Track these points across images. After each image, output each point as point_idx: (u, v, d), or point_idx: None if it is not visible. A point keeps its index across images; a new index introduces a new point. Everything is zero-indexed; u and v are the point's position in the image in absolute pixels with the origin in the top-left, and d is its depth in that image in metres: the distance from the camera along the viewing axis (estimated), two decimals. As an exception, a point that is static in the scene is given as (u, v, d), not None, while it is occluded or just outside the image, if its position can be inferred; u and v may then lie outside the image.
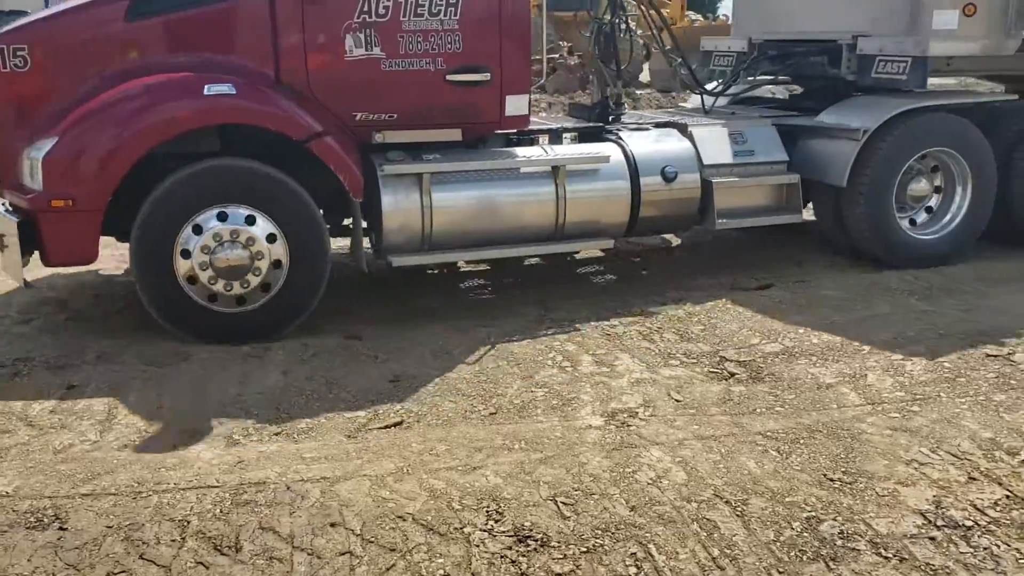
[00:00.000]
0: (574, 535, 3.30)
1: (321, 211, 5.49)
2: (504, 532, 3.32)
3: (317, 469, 3.75)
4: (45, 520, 3.35)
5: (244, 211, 5.16)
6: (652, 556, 3.18)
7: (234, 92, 5.11)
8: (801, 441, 4.00)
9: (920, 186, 6.70)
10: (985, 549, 3.19)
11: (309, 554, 3.17)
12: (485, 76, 5.63)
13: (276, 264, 5.24)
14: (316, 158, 5.27)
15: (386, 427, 4.25)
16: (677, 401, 4.44)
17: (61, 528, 3.30)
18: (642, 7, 7.05)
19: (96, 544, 3.22)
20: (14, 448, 3.99)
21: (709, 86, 7.78)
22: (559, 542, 3.26)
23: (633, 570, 3.11)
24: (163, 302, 5.17)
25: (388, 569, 3.10)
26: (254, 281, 5.22)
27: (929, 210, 6.80)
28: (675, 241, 7.83)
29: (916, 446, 3.94)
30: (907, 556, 3.17)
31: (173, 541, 3.24)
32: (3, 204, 5.32)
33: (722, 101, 7.77)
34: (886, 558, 3.16)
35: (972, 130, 6.69)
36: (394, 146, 5.64)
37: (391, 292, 6.46)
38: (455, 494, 3.56)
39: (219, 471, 3.73)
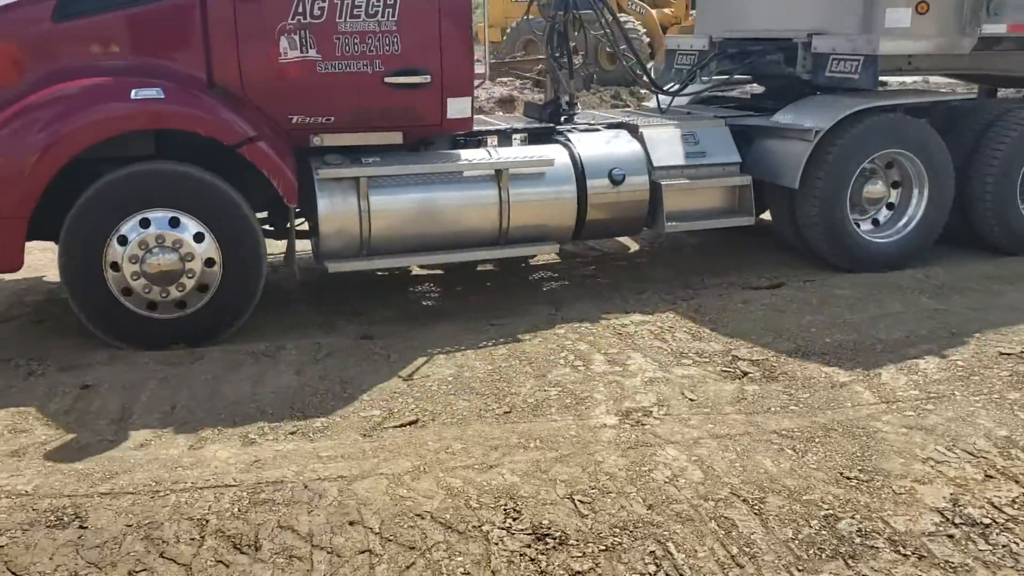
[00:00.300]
0: (592, 533, 3.30)
1: (268, 214, 5.46)
2: (522, 530, 3.33)
3: (334, 468, 3.76)
4: (65, 519, 3.36)
5: (166, 214, 5.04)
6: (671, 554, 3.18)
7: (162, 96, 5.00)
8: (817, 439, 4.00)
9: (876, 188, 6.56)
10: (1004, 547, 3.20)
11: (329, 552, 3.18)
12: (424, 78, 5.52)
13: (209, 263, 5.13)
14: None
15: (401, 426, 4.25)
16: (691, 400, 4.44)
17: (81, 527, 3.31)
18: (595, 6, 6.84)
19: (116, 542, 3.23)
20: (32, 447, 4.00)
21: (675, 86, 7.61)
22: (577, 540, 3.26)
23: (653, 568, 3.12)
24: (102, 317, 5.09)
25: (408, 567, 3.10)
26: (190, 283, 5.12)
27: (890, 206, 6.66)
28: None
29: (932, 444, 3.94)
30: (926, 554, 3.17)
31: (192, 540, 3.25)
32: None
33: (683, 100, 7.62)
34: (905, 556, 3.17)
35: (928, 131, 6.56)
36: (333, 149, 5.55)
37: (401, 292, 6.47)
38: (472, 492, 3.57)
39: (236, 470, 3.74)
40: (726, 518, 3.40)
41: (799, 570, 3.11)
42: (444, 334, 5.45)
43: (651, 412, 4.31)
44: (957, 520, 3.36)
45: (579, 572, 3.10)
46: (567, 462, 3.81)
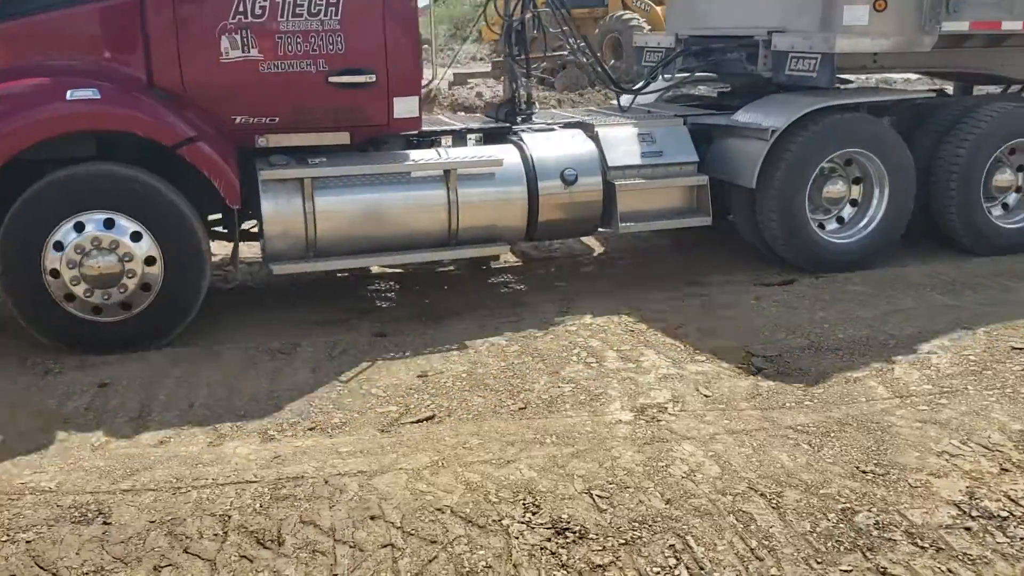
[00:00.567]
0: (612, 527, 3.33)
1: (221, 215, 5.45)
2: (542, 524, 3.35)
3: (353, 463, 3.79)
4: (89, 515, 3.39)
5: (101, 216, 4.99)
6: (691, 548, 3.21)
7: (98, 97, 4.95)
8: (832, 434, 4.02)
9: (836, 188, 6.45)
10: (1022, 539, 3.22)
11: (351, 547, 3.21)
12: (369, 78, 5.45)
13: (149, 261, 5.07)
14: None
15: (418, 421, 4.28)
16: (706, 396, 4.47)
17: (105, 523, 3.34)
18: (552, 5, 6.73)
19: (140, 538, 3.26)
20: (53, 445, 4.04)
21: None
22: (597, 534, 3.29)
23: (673, 561, 3.14)
24: (47, 323, 5.05)
25: (430, 561, 3.13)
26: (132, 283, 5.07)
27: (854, 204, 6.56)
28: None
29: (946, 438, 3.96)
30: (944, 546, 3.19)
31: (216, 535, 3.28)
32: None
33: (652, 98, 7.54)
34: (923, 548, 3.19)
35: (887, 131, 6.47)
36: (279, 150, 5.49)
37: (414, 290, 6.50)
38: (491, 487, 3.59)
39: (256, 466, 3.77)
40: (744, 512, 3.42)
41: (818, 562, 3.13)
42: (456, 331, 5.48)
43: (666, 408, 4.33)
44: (974, 513, 3.38)
45: (600, 566, 3.13)
46: (584, 457, 3.84)
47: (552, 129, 6.43)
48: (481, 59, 25.50)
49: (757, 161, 6.12)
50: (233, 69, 5.25)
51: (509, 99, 6.72)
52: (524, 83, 6.70)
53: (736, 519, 3.38)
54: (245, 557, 3.16)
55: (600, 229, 6.48)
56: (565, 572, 3.10)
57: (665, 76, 7.58)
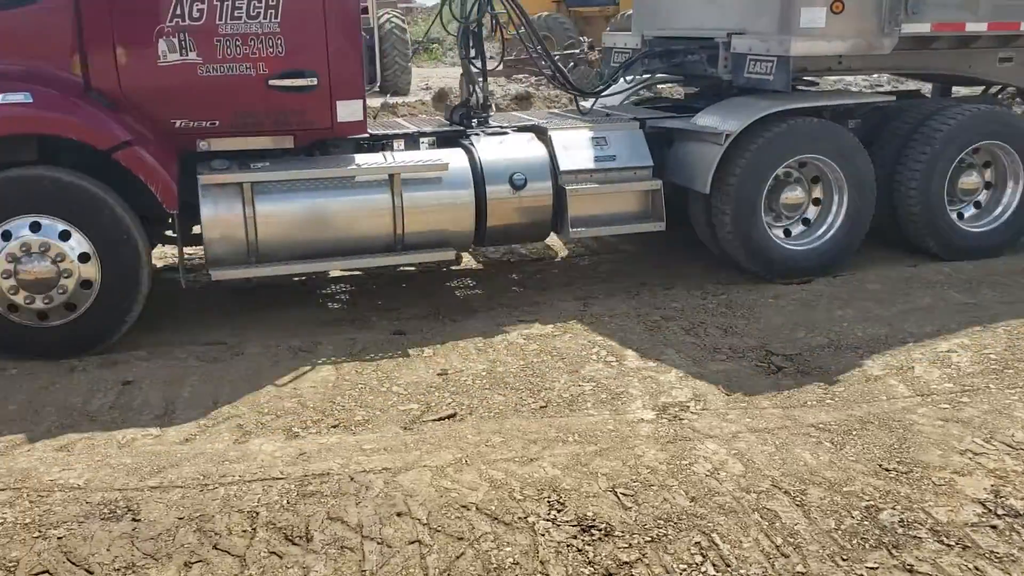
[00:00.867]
0: (637, 525, 3.35)
1: (170, 220, 5.40)
2: (567, 522, 3.37)
3: (378, 460, 3.82)
4: (118, 512, 3.42)
5: (25, 220, 4.96)
6: (717, 545, 3.22)
7: (30, 101, 4.90)
8: (854, 432, 4.03)
9: (795, 194, 6.26)
10: (1048, 537, 3.23)
11: (379, 543, 3.24)
12: (311, 81, 5.39)
13: (83, 258, 5.03)
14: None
15: (440, 419, 4.31)
16: (727, 395, 4.48)
17: (134, 519, 3.38)
18: (507, 6, 6.58)
19: (170, 535, 3.29)
20: (80, 442, 4.07)
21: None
22: (623, 532, 3.31)
23: (699, 558, 3.16)
24: None
25: (458, 557, 3.16)
26: (71, 283, 5.03)
27: (806, 221, 6.38)
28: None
29: (969, 436, 3.96)
30: (970, 544, 3.20)
31: (244, 532, 3.31)
32: None
33: (618, 100, 7.42)
34: (948, 546, 3.20)
35: (845, 136, 6.30)
36: (222, 154, 5.43)
37: (431, 289, 6.52)
38: (515, 484, 3.61)
39: (282, 463, 3.80)
40: (769, 510, 3.44)
41: (844, 559, 3.14)
42: (474, 330, 5.50)
43: (688, 407, 4.35)
44: (999, 511, 3.39)
45: (626, 562, 3.14)
46: (607, 456, 3.86)
47: (505, 133, 6.34)
48: (491, 57, 25.48)
49: (711, 166, 5.98)
50: (171, 73, 5.20)
51: (463, 102, 6.60)
52: (481, 85, 6.61)
53: (761, 516, 3.39)
54: (274, 553, 3.19)
55: (553, 234, 6.39)
56: (592, 569, 3.12)
57: (627, 78, 7.46)
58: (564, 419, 4.28)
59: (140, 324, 5.66)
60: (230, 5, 5.20)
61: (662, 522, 3.36)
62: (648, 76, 7.50)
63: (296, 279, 6.54)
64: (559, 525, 3.35)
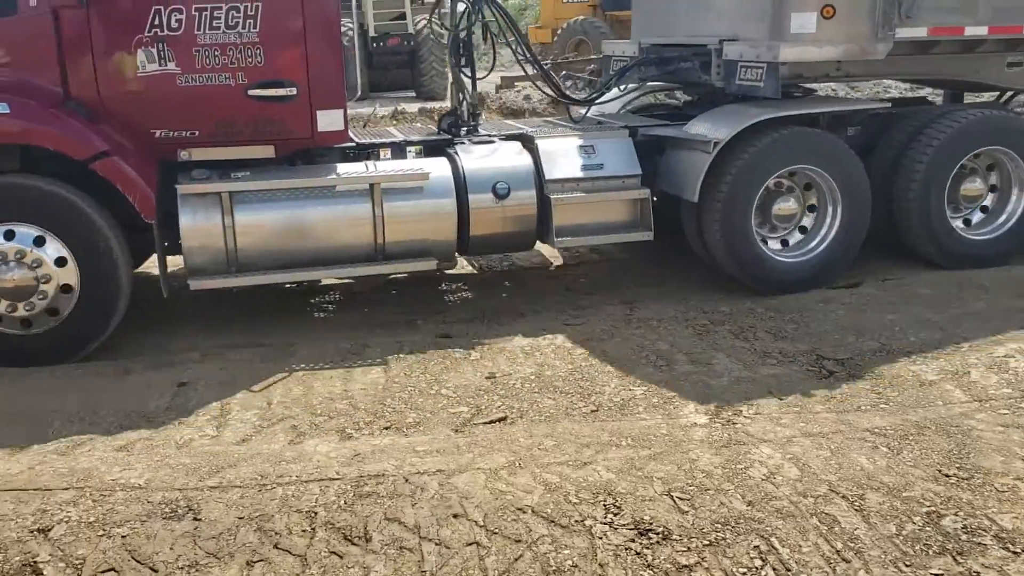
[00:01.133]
0: (695, 529, 3.33)
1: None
2: (624, 525, 3.36)
3: (431, 462, 3.83)
4: (179, 511, 3.47)
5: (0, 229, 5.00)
6: (776, 549, 3.20)
7: (7, 111, 4.92)
8: (911, 437, 3.98)
9: (788, 205, 6.13)
10: (1117, 545, 3.16)
11: (437, 544, 3.25)
12: (290, 91, 5.39)
13: (60, 262, 5.06)
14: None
15: (491, 422, 4.32)
16: (780, 399, 4.45)
17: (195, 519, 3.42)
18: (496, 15, 6.52)
19: (231, 534, 3.33)
20: (138, 443, 4.14)
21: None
22: (680, 535, 3.29)
23: (759, 562, 3.14)
24: None
25: (516, 560, 3.16)
26: (51, 288, 5.06)
27: (803, 229, 6.24)
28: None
29: (1031, 443, 3.90)
30: (1036, 551, 3.15)
31: (304, 531, 3.34)
32: None
33: (615, 108, 7.35)
34: (1015, 553, 3.15)
35: (838, 145, 6.14)
36: (202, 164, 5.43)
37: (477, 293, 6.54)
38: (570, 488, 3.61)
39: (338, 464, 3.83)
40: (827, 514, 3.40)
41: (907, 565, 3.11)
42: (521, 333, 5.51)
43: (741, 411, 4.32)
44: (1065, 518, 3.33)
45: (686, 566, 3.13)
46: (661, 460, 3.84)
47: (491, 141, 6.27)
48: (501, 67, 25.47)
49: (700, 175, 5.85)
50: (150, 83, 5.21)
51: (452, 110, 6.58)
52: (470, 93, 6.56)
53: (819, 521, 3.36)
54: (335, 553, 3.22)
55: (540, 243, 6.33)
56: (652, 572, 3.11)
57: (621, 86, 7.39)
58: (616, 423, 4.27)
59: (191, 326, 5.78)
60: (209, 15, 5.21)
61: (720, 526, 3.34)
62: (641, 83, 7.42)
63: (338, 281, 6.57)
64: (616, 528, 3.35)
